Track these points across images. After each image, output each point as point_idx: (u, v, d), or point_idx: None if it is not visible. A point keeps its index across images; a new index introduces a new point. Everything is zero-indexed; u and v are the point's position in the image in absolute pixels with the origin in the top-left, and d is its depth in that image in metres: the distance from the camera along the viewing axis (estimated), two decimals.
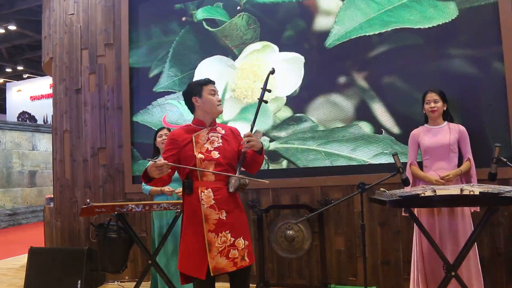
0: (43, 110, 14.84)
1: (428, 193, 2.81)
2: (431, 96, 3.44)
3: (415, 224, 3.08)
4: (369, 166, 4.07)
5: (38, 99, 15.74)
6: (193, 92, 2.65)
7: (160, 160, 2.44)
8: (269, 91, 2.81)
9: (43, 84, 15.45)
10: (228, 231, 2.53)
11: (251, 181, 2.61)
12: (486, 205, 2.84)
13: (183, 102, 4.74)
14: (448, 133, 3.41)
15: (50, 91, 5.47)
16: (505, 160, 3.04)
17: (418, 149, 3.54)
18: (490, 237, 3.65)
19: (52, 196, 5.64)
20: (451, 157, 3.39)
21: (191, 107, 2.69)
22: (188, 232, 2.57)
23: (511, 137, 3.63)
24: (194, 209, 2.55)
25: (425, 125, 3.55)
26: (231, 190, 2.55)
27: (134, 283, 3.79)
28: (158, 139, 4.12)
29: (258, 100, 2.77)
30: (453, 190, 2.84)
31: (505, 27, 3.68)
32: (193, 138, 2.59)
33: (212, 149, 2.58)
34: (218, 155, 2.57)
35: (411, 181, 3.53)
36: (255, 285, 4.22)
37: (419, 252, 3.44)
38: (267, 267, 4.35)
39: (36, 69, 14.50)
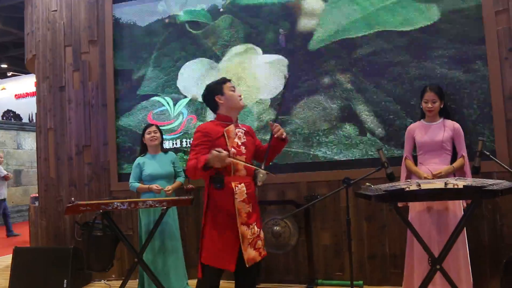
0: (28, 109, 14.64)
1: (413, 187, 2.82)
2: (429, 96, 3.45)
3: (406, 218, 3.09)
4: (355, 161, 4.09)
5: (23, 97, 15.54)
6: (215, 91, 2.77)
7: (223, 152, 2.52)
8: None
9: (27, 82, 15.25)
10: (255, 223, 2.70)
11: None
12: (469, 198, 2.87)
13: (168, 99, 4.75)
14: (442, 130, 3.44)
15: (35, 89, 5.40)
16: (488, 153, 3.08)
17: (413, 143, 3.57)
18: (474, 230, 3.68)
19: (37, 195, 5.58)
20: (443, 154, 3.42)
21: (214, 106, 2.79)
22: (216, 226, 2.65)
23: (494, 131, 3.67)
24: (225, 203, 2.64)
25: (422, 120, 3.58)
26: (259, 183, 2.67)
27: (121, 282, 3.76)
28: (147, 136, 4.10)
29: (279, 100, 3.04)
30: (437, 184, 2.86)
31: (488, 28, 3.72)
32: (225, 132, 2.68)
33: (240, 144, 2.72)
34: (245, 150, 2.72)
35: (405, 175, 3.55)
36: None
37: (409, 246, 3.47)
38: None
39: (21, 67, 14.28)
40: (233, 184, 2.65)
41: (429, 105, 3.45)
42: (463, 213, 3.31)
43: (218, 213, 2.66)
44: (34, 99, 5.38)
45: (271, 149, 2.81)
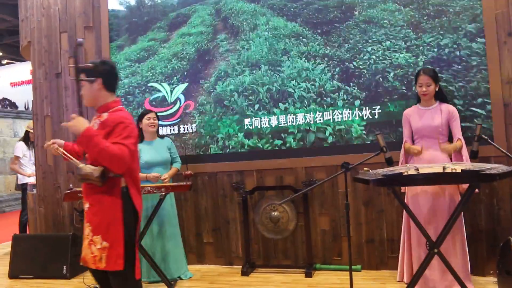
0: (24, 97, 14.55)
1: (411, 171, 2.83)
2: (423, 79, 3.40)
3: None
4: (353, 146, 4.08)
5: (18, 85, 15.45)
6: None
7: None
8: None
9: (23, 70, 15.14)
10: (88, 224, 2.45)
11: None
12: (467, 182, 2.88)
13: (165, 85, 4.73)
14: (438, 114, 3.41)
15: (31, 76, 5.38)
16: (486, 137, 3.08)
17: (411, 127, 3.54)
18: (471, 214, 3.70)
19: (35, 182, 5.57)
20: (440, 138, 3.40)
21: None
22: None
23: (492, 116, 3.66)
24: None
25: (418, 105, 3.55)
26: (78, 178, 2.46)
27: None
28: (146, 121, 4.08)
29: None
30: (435, 168, 2.87)
31: (487, 11, 3.68)
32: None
33: None
34: None
35: (403, 159, 3.54)
36: (241, 267, 4.25)
37: (406, 230, 3.49)
38: (252, 248, 4.37)
39: (16, 55, 14.21)
40: None
41: (424, 89, 3.42)
42: (459, 196, 3.32)
43: None
44: (29, 87, 5.34)
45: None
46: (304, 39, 4.32)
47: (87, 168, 2.37)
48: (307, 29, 4.32)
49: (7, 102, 15.26)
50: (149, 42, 4.90)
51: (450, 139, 3.45)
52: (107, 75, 2.51)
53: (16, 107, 14.91)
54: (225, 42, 4.62)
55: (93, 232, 2.40)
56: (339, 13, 4.23)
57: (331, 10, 4.26)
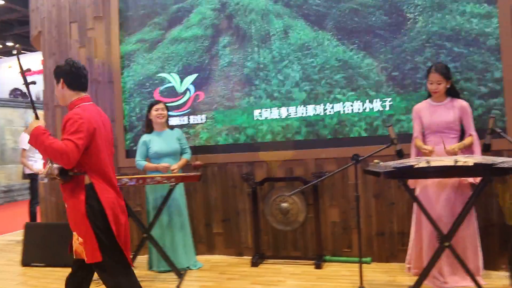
0: (36, 86, 14.53)
1: (422, 164, 2.81)
2: (434, 77, 3.34)
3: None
4: (363, 138, 4.05)
5: (29, 75, 15.47)
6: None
7: None
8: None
9: (34, 60, 15.17)
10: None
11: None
12: (479, 176, 2.85)
13: (174, 76, 4.72)
14: (449, 110, 3.36)
15: (42, 66, 5.40)
16: (499, 130, 3.03)
17: (421, 123, 3.49)
18: (484, 208, 3.66)
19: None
20: (451, 133, 3.36)
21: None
22: None
23: (505, 109, 3.60)
24: None
25: (428, 100, 3.49)
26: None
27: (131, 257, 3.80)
28: (154, 113, 4.10)
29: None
30: (447, 161, 2.84)
31: (501, 3, 3.60)
32: None
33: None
34: None
35: (414, 154, 3.50)
36: (250, 257, 4.26)
37: (416, 223, 3.46)
38: (262, 239, 4.37)
39: (27, 45, 14.25)
40: None
41: (434, 87, 3.36)
42: (470, 189, 3.28)
43: None
44: (41, 77, 5.35)
45: None
46: (349, 69, 3.88)
47: (48, 167, 2.42)
48: (342, 40, 3.94)
49: (19, 92, 15.36)
50: (133, 45, 4.87)
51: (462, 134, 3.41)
52: (67, 74, 2.59)
53: (27, 97, 15.00)
54: (227, 50, 4.49)
55: (72, 228, 2.49)
56: (384, 16, 3.75)
57: (372, 11, 3.76)
